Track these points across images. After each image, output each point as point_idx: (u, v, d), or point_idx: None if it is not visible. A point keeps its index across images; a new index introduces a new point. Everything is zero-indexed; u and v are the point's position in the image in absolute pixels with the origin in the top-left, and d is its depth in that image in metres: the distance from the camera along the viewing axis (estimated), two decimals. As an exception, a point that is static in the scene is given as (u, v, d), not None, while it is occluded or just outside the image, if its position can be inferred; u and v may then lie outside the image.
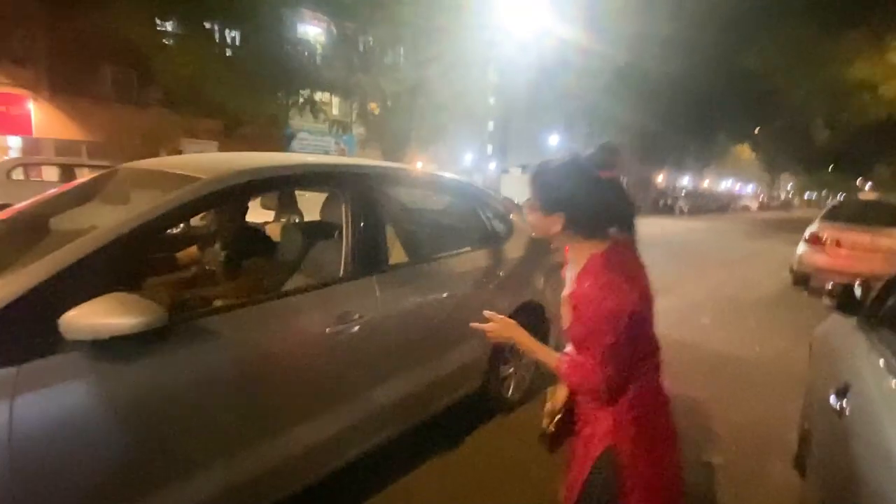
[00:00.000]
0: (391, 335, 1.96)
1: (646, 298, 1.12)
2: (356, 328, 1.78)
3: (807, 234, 6.52)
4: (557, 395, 1.37)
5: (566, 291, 1.16)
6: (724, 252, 11.18)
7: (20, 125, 13.65)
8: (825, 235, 6.28)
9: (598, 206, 1.10)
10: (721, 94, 21.74)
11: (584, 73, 16.03)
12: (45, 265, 1.19)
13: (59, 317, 1.11)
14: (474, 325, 1.30)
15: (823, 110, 23.14)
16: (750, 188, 54.87)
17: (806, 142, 29.61)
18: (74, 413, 1.14)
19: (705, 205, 31.31)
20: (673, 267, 7.95)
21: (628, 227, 1.14)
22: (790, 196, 55.22)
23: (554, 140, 23.84)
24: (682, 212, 26.41)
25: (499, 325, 1.26)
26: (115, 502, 1.24)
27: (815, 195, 54.86)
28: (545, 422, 1.33)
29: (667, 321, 4.91)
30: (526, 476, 2.22)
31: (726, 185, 50.83)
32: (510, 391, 2.80)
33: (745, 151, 41.06)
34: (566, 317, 1.15)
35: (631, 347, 1.08)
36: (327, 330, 1.70)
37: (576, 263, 1.15)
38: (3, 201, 7.10)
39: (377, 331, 1.87)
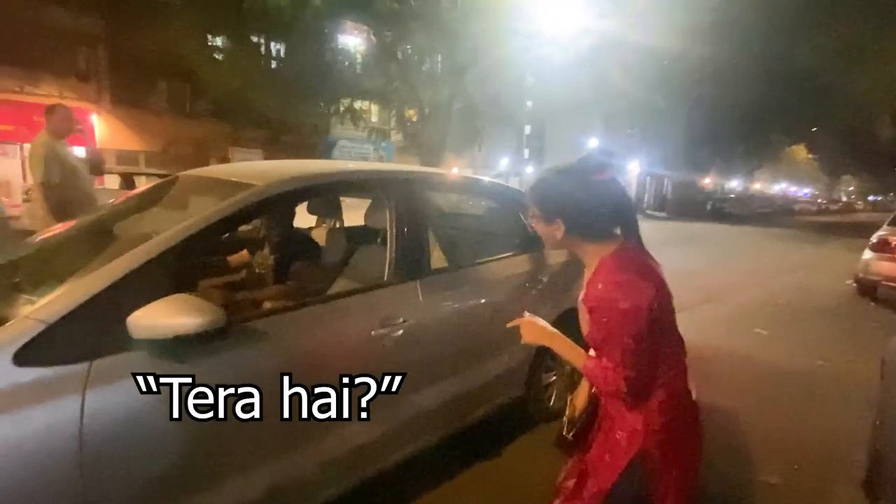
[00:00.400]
0: (433, 340, 1.96)
1: (663, 296, 1.09)
2: (400, 332, 1.79)
3: (874, 239, 6.05)
4: (577, 401, 1.36)
5: (580, 296, 1.16)
6: (779, 258, 10.56)
7: (85, 137, 14.73)
8: (895, 241, 5.81)
9: (595, 208, 1.12)
10: (774, 92, 20.60)
11: (625, 72, 15.62)
12: (113, 268, 1.26)
13: (126, 317, 1.17)
14: (511, 323, 1.33)
15: (889, 107, 21.48)
16: (806, 191, 51.62)
17: (870, 141, 27.58)
18: (140, 409, 1.20)
19: (757, 208, 29.71)
20: (720, 273, 7.59)
21: (631, 226, 1.15)
22: (852, 199, 51.56)
23: (593, 142, 23.35)
24: (729, 215, 25.20)
25: (529, 324, 1.27)
26: (174, 495, 1.29)
27: (879, 198, 50.94)
28: (566, 429, 1.32)
29: (717, 331, 4.72)
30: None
31: (780, 187, 48.02)
32: (552, 400, 2.73)
33: (800, 152, 38.73)
34: (584, 322, 1.16)
35: (651, 347, 1.07)
36: (372, 333, 1.72)
37: (588, 268, 1.17)
38: (71, 207, 7.68)
39: (420, 335, 1.88)
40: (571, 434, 1.30)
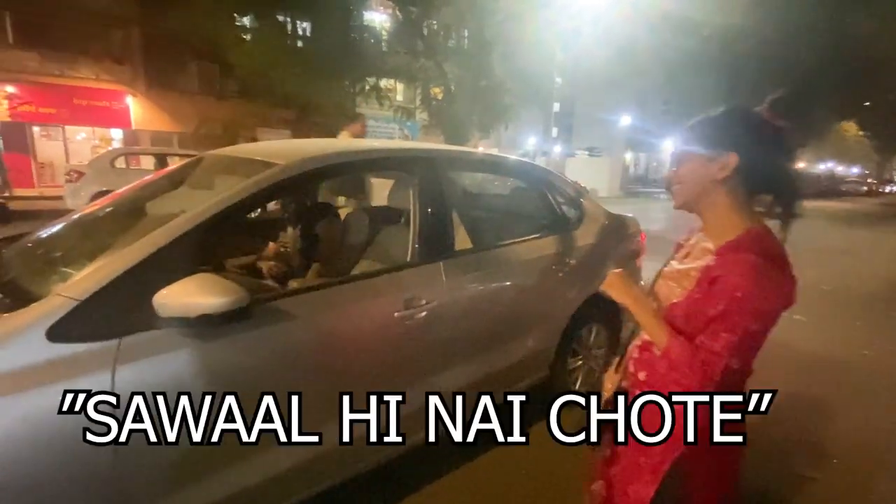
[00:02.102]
0: (457, 321, 1.93)
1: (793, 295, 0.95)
2: (423, 313, 1.77)
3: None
4: (607, 384, 1.25)
5: (698, 263, 1.01)
6: (822, 241, 10.00)
7: (121, 118, 15.23)
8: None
9: (773, 159, 0.95)
10: (821, 64, 19.27)
11: (660, 45, 14.86)
12: (139, 247, 1.27)
13: (153, 295, 1.18)
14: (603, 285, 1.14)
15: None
16: (855, 170, 48.58)
17: (928, 116, 25.61)
18: (166, 385, 1.22)
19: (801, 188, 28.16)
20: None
21: (788, 202, 0.98)
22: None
23: (625, 121, 22.50)
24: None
25: (618, 279, 1.10)
26: (201, 470, 1.33)
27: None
28: (602, 403, 1.22)
29: None
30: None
31: (826, 166, 45.33)
32: (577, 384, 2.69)
33: (850, 129, 36.33)
34: (673, 292, 1.03)
35: (761, 343, 0.95)
36: (396, 314, 1.71)
37: (716, 234, 0.99)
38: (108, 187, 7.99)
39: (443, 317, 1.85)
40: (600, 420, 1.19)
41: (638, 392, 1.11)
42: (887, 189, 41.46)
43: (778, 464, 2.28)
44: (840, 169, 46.42)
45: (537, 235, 2.45)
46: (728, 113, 0.99)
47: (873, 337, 4.06)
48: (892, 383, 3.15)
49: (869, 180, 42.41)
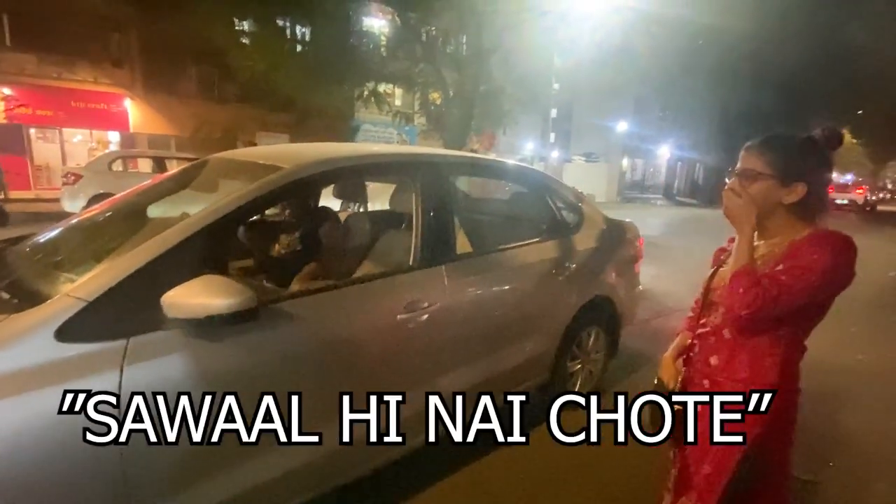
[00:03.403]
0: (458, 325, 1.95)
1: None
2: (425, 317, 1.79)
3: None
4: (665, 375, 1.35)
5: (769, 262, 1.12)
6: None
7: (119, 121, 15.21)
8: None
9: (828, 182, 1.14)
10: (816, 73, 19.52)
11: (657, 52, 15.01)
12: (147, 249, 1.28)
13: (161, 296, 1.19)
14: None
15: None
16: (848, 177, 49.07)
17: (921, 125, 25.93)
18: (173, 385, 1.23)
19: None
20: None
21: (823, 204, 1.15)
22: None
23: (622, 127, 22.65)
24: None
25: (748, 205, 1.13)
26: (208, 470, 1.33)
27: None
28: (675, 382, 1.31)
29: None
30: (591, 476, 2.14)
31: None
32: (577, 387, 2.70)
33: (844, 136, 36.69)
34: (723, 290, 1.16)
35: (814, 315, 1.12)
36: (398, 317, 1.72)
37: (780, 238, 1.14)
38: (106, 190, 7.98)
39: (445, 320, 1.87)
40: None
41: (707, 382, 1.22)
42: (880, 196, 41.82)
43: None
44: (834, 175, 46.79)
45: (537, 239, 2.48)
46: (803, 146, 1.12)
47: (868, 341, 4.10)
48: (887, 388, 3.18)
49: (862, 187, 42.76)
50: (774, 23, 15.36)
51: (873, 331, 4.45)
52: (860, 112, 28.38)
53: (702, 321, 1.27)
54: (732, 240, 1.27)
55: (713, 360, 1.21)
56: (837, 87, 20.95)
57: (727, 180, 1.20)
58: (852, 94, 22.51)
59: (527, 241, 2.42)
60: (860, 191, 25.07)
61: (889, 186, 47.29)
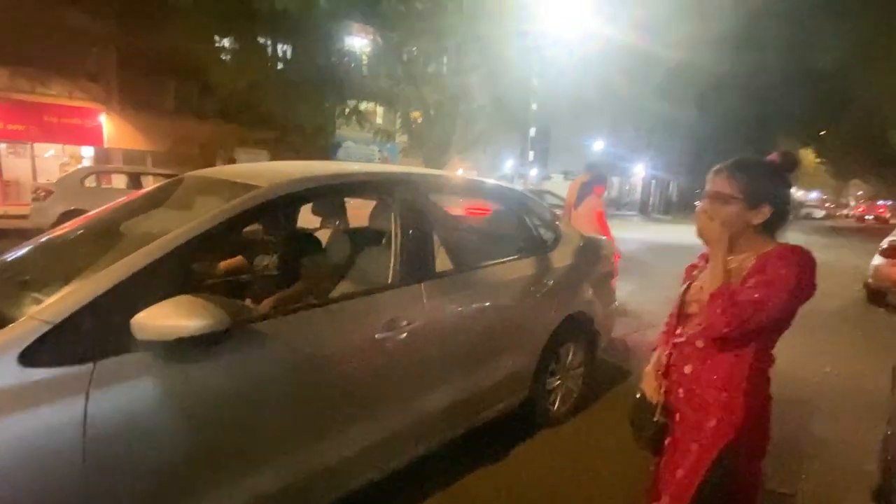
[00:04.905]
0: (437, 343, 1.95)
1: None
2: (404, 335, 1.78)
3: (884, 244, 5.99)
4: (649, 388, 1.38)
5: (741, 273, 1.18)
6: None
7: (93, 136, 14.87)
8: (905, 247, 5.75)
9: (789, 203, 1.23)
10: (782, 94, 20.49)
11: (631, 74, 15.57)
12: (117, 269, 1.26)
13: (130, 318, 1.17)
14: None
15: (900, 111, 21.27)
16: (814, 195, 51.21)
17: (880, 144, 27.31)
18: (143, 408, 1.20)
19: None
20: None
21: (784, 219, 1.24)
22: (860, 203, 50.98)
23: (598, 145, 23.25)
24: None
25: (714, 228, 1.22)
26: (177, 495, 1.29)
27: (889, 202, 50.44)
28: (658, 413, 1.33)
29: None
30: (570, 492, 2.14)
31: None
32: (556, 405, 2.72)
33: (808, 156, 38.44)
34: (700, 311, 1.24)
35: (780, 328, 1.18)
36: (376, 336, 1.71)
37: (749, 253, 1.20)
38: (77, 206, 7.76)
39: (424, 338, 1.87)
40: (660, 416, 1.32)
41: (682, 391, 1.28)
42: (844, 212, 43.70)
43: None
44: (800, 193, 48.84)
45: (515, 257, 2.51)
46: (766, 170, 1.22)
47: (834, 355, 4.23)
48: (855, 401, 3.27)
49: (826, 204, 44.71)
50: (741, 51, 16.15)
51: (839, 344, 4.60)
52: (823, 133, 29.80)
53: (677, 332, 1.33)
54: (703, 256, 1.36)
55: (687, 369, 1.27)
56: (801, 109, 22.00)
57: (696, 203, 1.29)
58: (816, 116, 23.65)
59: (505, 259, 2.45)
60: (881, 210, 26.49)
61: (852, 203, 49.46)
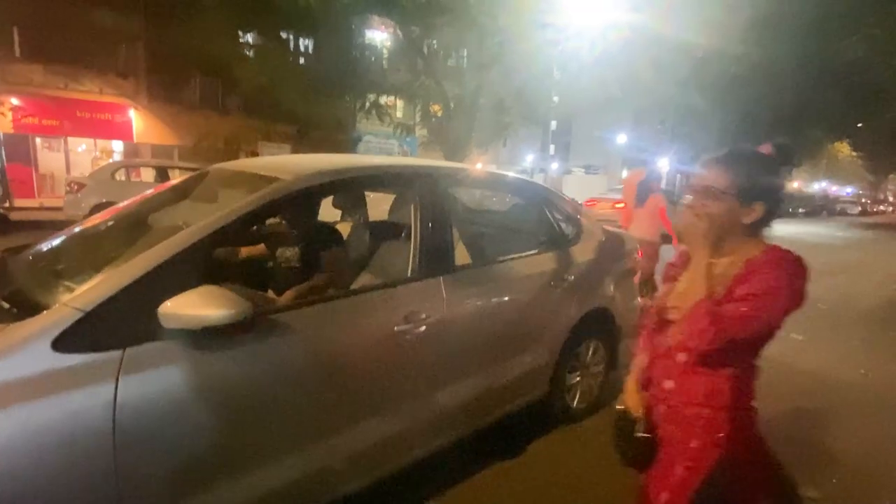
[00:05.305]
0: (457, 337, 1.95)
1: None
2: (423, 328, 1.78)
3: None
4: (630, 402, 1.30)
5: (733, 270, 1.09)
6: (819, 261, 10.04)
7: (123, 131, 15.34)
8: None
9: (783, 200, 1.13)
10: (816, 86, 19.63)
11: (656, 65, 15.14)
12: (145, 259, 1.29)
13: (158, 307, 1.20)
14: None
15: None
16: (849, 190, 49.14)
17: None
18: (169, 394, 1.23)
19: (795, 208, 28.41)
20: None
21: (775, 214, 1.13)
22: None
23: (622, 139, 22.78)
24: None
25: (704, 224, 1.11)
26: (202, 482, 1.32)
27: (929, 198, 48.04)
28: (640, 426, 1.25)
29: None
30: (588, 491, 2.12)
31: (820, 186, 45.82)
32: (576, 401, 2.69)
33: (843, 149, 36.88)
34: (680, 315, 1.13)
35: (766, 338, 1.08)
36: (395, 329, 1.72)
37: (737, 255, 1.10)
38: (108, 199, 8.02)
39: (443, 332, 1.87)
40: (641, 432, 1.24)
41: (663, 407, 1.19)
42: (881, 208, 41.85)
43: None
44: (834, 189, 46.94)
45: (536, 251, 2.48)
46: (762, 164, 1.10)
47: (871, 356, 4.07)
48: (890, 403, 3.15)
49: (863, 200, 42.86)
50: (774, 37, 15.52)
51: (876, 345, 4.41)
52: (860, 125, 28.51)
53: (656, 341, 1.24)
54: (682, 254, 1.25)
55: (667, 385, 1.18)
56: (838, 99, 21.03)
57: (685, 197, 1.19)
58: (853, 107, 22.60)
59: (525, 253, 2.42)
60: None
61: (891, 199, 47.34)
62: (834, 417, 2.95)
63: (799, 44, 16.30)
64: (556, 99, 16.17)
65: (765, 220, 1.10)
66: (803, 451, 2.55)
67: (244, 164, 2.15)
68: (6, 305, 1.32)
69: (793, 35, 15.90)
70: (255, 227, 2.58)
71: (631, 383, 1.33)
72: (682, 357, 1.14)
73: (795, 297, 1.02)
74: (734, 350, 1.06)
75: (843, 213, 35.43)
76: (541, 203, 2.69)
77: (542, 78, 13.17)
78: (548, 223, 2.64)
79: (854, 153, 36.84)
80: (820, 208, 32.60)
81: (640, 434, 1.23)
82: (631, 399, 1.30)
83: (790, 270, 1.03)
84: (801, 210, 28.55)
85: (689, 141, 22.97)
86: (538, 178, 18.45)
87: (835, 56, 17.72)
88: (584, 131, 22.50)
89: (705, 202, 1.10)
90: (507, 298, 2.21)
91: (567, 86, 14.80)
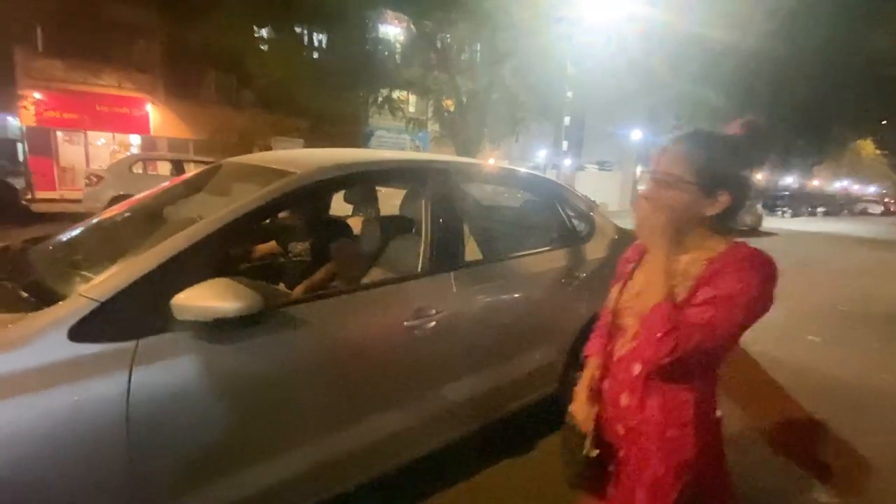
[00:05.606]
0: (466, 333, 1.94)
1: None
2: (432, 323, 1.78)
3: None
4: (579, 414, 1.14)
5: (697, 266, 0.98)
6: (839, 260, 9.86)
7: (140, 125, 15.61)
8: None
9: (750, 194, 0.99)
10: (837, 81, 19.11)
11: (673, 59, 14.88)
12: (158, 251, 1.31)
13: (170, 298, 1.21)
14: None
15: (974, 98, 19.50)
16: (871, 189, 47.84)
17: (948, 135, 25.20)
18: (181, 385, 1.25)
19: (814, 207, 27.77)
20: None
21: (740, 207, 1.00)
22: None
23: (636, 135, 22.46)
24: (784, 214, 23.68)
25: (652, 217, 0.99)
26: (212, 467, 1.34)
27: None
28: (588, 446, 1.07)
29: (766, 336, 4.44)
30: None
31: (842, 185, 44.66)
32: (586, 399, 2.66)
33: (867, 147, 35.87)
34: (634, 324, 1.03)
35: (732, 345, 0.95)
36: (405, 323, 1.72)
37: (699, 251, 0.99)
38: (126, 191, 8.17)
39: (453, 327, 1.86)
40: (590, 451, 1.08)
41: (621, 427, 1.05)
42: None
43: (794, 487, 2.23)
44: (856, 187, 45.72)
45: (547, 248, 2.46)
46: (728, 147, 0.98)
47: (892, 359, 3.97)
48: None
49: (886, 199, 41.69)
50: (795, 31, 15.12)
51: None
52: (884, 122, 27.71)
53: (609, 347, 1.12)
54: (636, 248, 1.14)
55: (623, 401, 1.04)
56: (861, 96, 20.46)
57: (639, 188, 1.07)
58: (876, 103, 21.95)
59: (537, 250, 2.40)
60: None
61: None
62: (855, 423, 2.88)
63: (821, 36, 15.85)
64: (569, 94, 15.99)
65: (731, 212, 0.98)
66: (824, 457, 2.50)
67: (256, 158, 2.17)
68: (25, 295, 1.35)
69: (815, 27, 15.47)
70: (267, 221, 2.60)
71: (581, 393, 1.18)
72: (637, 368, 1.01)
73: (765, 302, 0.91)
74: (697, 360, 0.94)
75: (864, 212, 34.54)
76: (553, 199, 2.67)
77: (556, 73, 13.04)
78: (560, 220, 2.62)
79: (878, 151, 35.83)
80: (840, 207, 31.87)
81: (588, 452, 1.08)
82: (580, 411, 1.15)
83: (760, 271, 0.91)
84: (820, 209, 27.88)
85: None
86: (551, 175, 18.29)
87: (859, 50, 17.21)
88: (598, 127, 22.24)
89: (662, 192, 0.98)
90: (517, 295, 2.20)
91: (581, 81, 14.63)
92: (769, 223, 16.93)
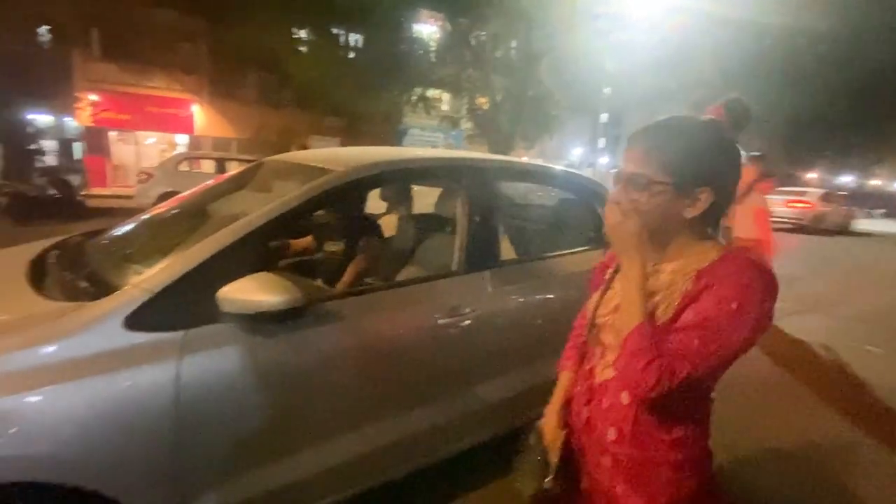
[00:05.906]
0: (500, 332, 1.92)
1: None
2: (467, 322, 1.78)
3: None
4: (550, 437, 1.04)
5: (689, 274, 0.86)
6: (897, 266, 9.17)
7: (186, 125, 16.35)
8: None
9: (737, 182, 0.85)
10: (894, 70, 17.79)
11: (718, 54, 14.24)
12: (205, 246, 1.36)
13: (217, 291, 1.26)
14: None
15: None
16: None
17: None
18: (225, 375, 1.30)
19: (872, 208, 25.91)
20: (821, 281, 6.73)
21: (725, 206, 0.87)
22: None
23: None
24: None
25: (626, 226, 0.85)
26: (254, 453, 1.38)
27: None
28: (550, 478, 0.99)
29: (816, 348, 4.10)
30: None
31: (904, 185, 41.52)
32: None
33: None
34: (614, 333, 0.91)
35: (728, 365, 0.82)
36: (440, 321, 1.72)
37: (687, 260, 0.87)
38: (174, 188, 8.57)
39: (487, 327, 1.85)
40: (551, 483, 0.99)
41: (608, 460, 0.93)
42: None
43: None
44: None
45: (584, 248, 2.40)
46: (700, 133, 0.84)
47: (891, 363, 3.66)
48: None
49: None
50: (851, 20, 14.16)
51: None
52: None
53: (588, 366, 1.00)
54: (613, 255, 1.00)
55: (611, 434, 0.92)
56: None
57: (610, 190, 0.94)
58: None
59: (572, 250, 2.35)
60: None
61: None
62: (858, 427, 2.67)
63: (878, 26, 14.78)
64: (607, 90, 15.60)
65: (713, 212, 0.85)
66: (886, 482, 2.32)
67: (296, 156, 2.22)
68: (85, 285, 1.43)
69: (871, 16, 14.45)
70: (307, 217, 2.66)
71: (552, 412, 1.07)
72: (626, 398, 0.89)
73: (764, 323, 0.78)
74: (689, 387, 0.81)
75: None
76: (590, 198, 2.60)
77: (593, 69, 12.74)
78: (597, 219, 2.55)
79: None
80: None
81: (550, 482, 0.98)
82: (550, 433, 1.04)
83: (757, 286, 0.78)
84: (880, 211, 26.02)
85: (755, 135, 21.50)
86: (587, 173, 17.87)
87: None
88: (637, 124, 21.57)
89: (632, 195, 0.85)
90: (552, 295, 2.16)
91: (620, 77, 14.24)
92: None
